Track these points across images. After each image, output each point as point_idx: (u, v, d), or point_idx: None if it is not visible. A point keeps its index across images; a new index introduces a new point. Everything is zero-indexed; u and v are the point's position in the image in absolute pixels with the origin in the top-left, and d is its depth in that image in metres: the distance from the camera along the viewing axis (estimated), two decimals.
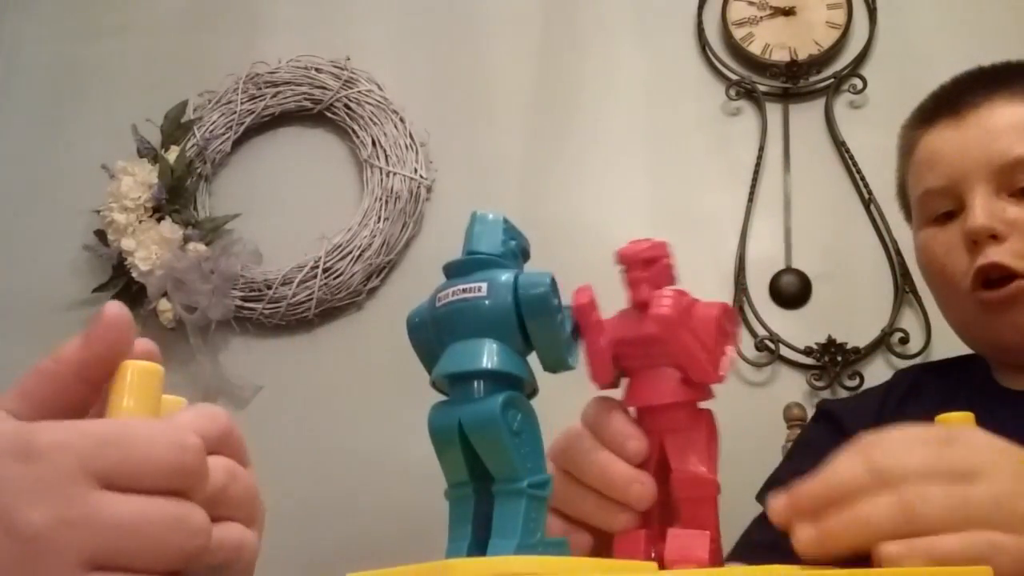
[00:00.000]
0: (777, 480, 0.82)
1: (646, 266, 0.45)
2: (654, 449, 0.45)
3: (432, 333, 0.43)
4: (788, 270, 1.43)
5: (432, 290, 0.45)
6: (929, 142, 0.82)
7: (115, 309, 0.37)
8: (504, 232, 0.44)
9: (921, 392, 0.85)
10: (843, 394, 1.35)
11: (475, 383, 0.41)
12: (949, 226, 0.78)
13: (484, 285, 0.41)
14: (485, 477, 0.42)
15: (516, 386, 0.41)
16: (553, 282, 0.42)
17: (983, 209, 0.74)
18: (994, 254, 0.74)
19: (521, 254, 0.45)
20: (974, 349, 0.84)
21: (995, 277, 0.74)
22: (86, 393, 0.37)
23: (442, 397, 0.45)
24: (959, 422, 0.46)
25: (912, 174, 0.85)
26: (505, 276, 0.41)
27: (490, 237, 0.43)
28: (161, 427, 0.34)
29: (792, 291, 1.42)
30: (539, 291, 0.41)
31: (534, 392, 0.43)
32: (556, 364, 0.43)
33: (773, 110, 1.51)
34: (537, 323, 0.41)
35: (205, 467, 0.35)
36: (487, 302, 0.41)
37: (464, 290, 0.42)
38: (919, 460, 0.42)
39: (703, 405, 0.46)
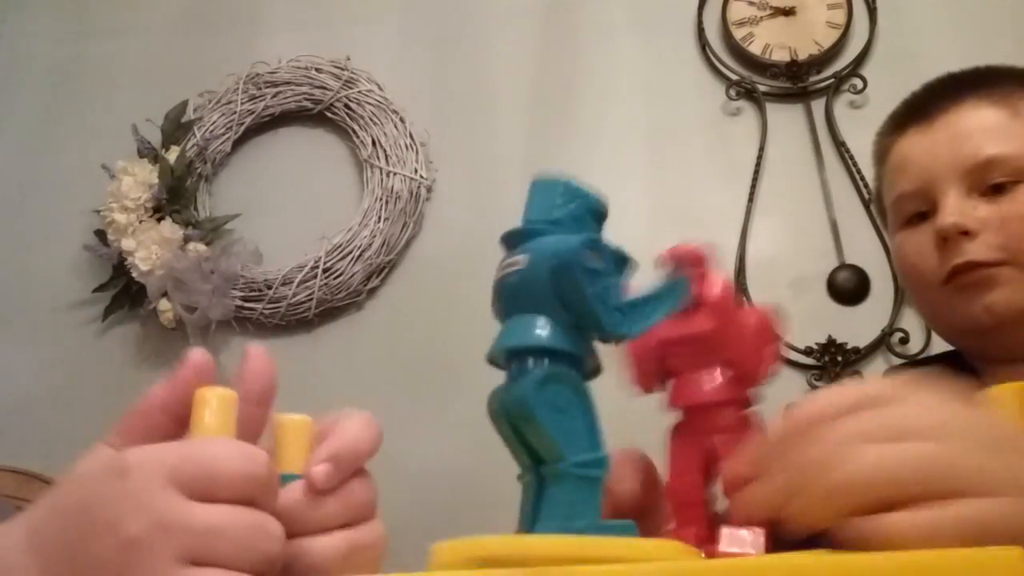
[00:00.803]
0: None
1: (699, 264, 0.45)
2: (702, 449, 0.44)
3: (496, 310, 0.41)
4: (844, 266, 1.43)
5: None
6: (901, 148, 0.83)
7: (200, 356, 0.43)
8: (562, 195, 0.41)
9: None
10: None
11: (524, 361, 0.38)
12: (922, 227, 0.79)
13: (523, 257, 0.39)
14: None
15: (571, 363, 0.39)
16: (586, 244, 0.39)
17: (953, 207, 0.76)
18: (968, 252, 0.75)
19: (590, 216, 0.41)
20: (952, 342, 0.84)
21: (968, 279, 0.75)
22: (173, 428, 0.43)
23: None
24: (1017, 391, 0.41)
25: (886, 180, 0.86)
26: (546, 243, 0.39)
27: (544, 203, 0.41)
28: (234, 444, 0.39)
29: (850, 287, 1.42)
30: (564, 258, 0.38)
31: (598, 370, 0.41)
32: (599, 334, 0.40)
33: (773, 110, 1.51)
34: (564, 291, 0.38)
35: (274, 478, 0.40)
36: (525, 275, 0.39)
37: (509, 264, 0.39)
38: (847, 419, 0.38)
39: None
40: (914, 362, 0.94)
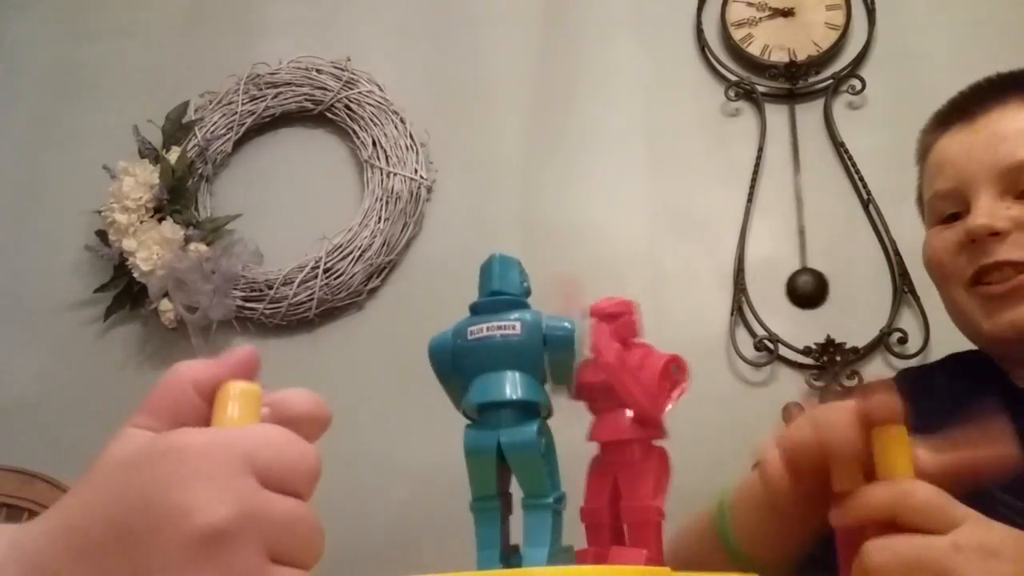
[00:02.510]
0: None
1: (610, 320, 0.51)
2: (609, 480, 0.51)
3: (458, 362, 0.48)
4: (805, 270, 1.43)
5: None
6: (941, 146, 0.83)
7: (249, 350, 0.40)
8: (520, 274, 0.49)
9: (934, 394, 0.84)
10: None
11: (509, 409, 0.46)
12: (954, 226, 0.79)
13: (518, 323, 0.47)
14: (503, 493, 0.48)
15: (539, 412, 0.47)
16: (573, 327, 0.48)
17: (984, 209, 0.76)
18: (996, 252, 0.75)
19: (528, 293, 0.50)
20: (979, 346, 0.84)
21: (996, 279, 0.75)
22: (205, 410, 0.38)
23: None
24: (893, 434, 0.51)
25: (925, 178, 0.86)
26: (533, 316, 0.47)
27: (511, 278, 0.49)
28: (295, 436, 0.37)
29: (809, 291, 1.42)
30: (567, 334, 0.47)
31: (549, 415, 0.48)
32: (565, 387, 0.50)
33: (772, 111, 1.52)
34: (560, 360, 0.47)
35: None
36: (520, 339, 0.47)
37: (500, 327, 0.47)
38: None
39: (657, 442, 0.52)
40: (935, 364, 0.93)
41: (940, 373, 0.90)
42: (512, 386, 0.46)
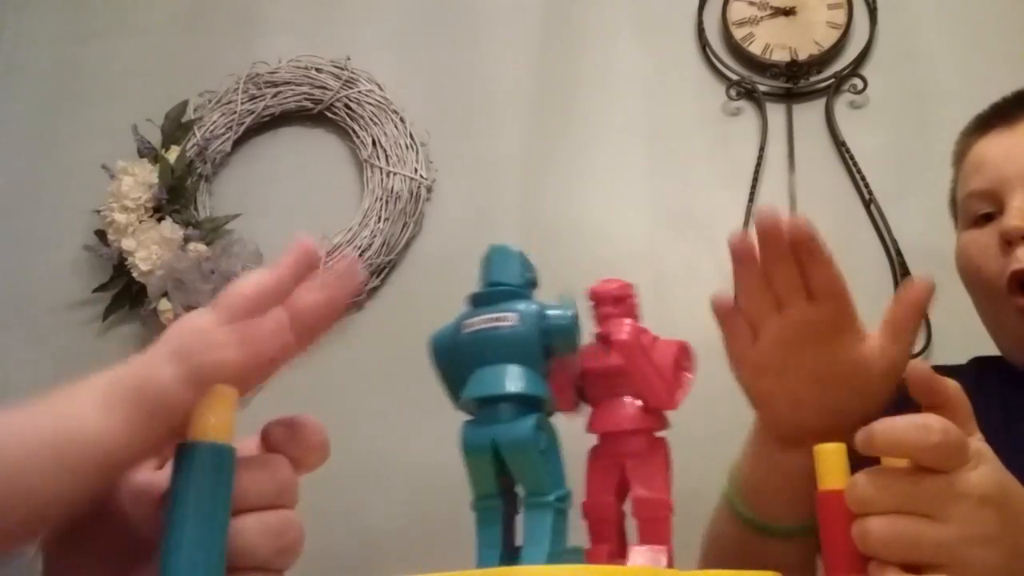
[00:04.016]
0: None
1: (615, 303, 0.50)
2: (615, 472, 0.49)
3: (456, 356, 0.47)
4: None
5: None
6: (979, 148, 0.82)
7: (311, 243, 0.45)
8: (521, 264, 0.48)
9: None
10: None
11: (506, 404, 0.44)
12: (987, 228, 0.78)
13: (514, 315, 0.45)
14: (507, 491, 0.46)
15: (539, 407, 0.45)
16: (576, 315, 0.46)
17: (1019, 210, 0.74)
18: None
19: (532, 284, 0.49)
20: (1011, 358, 0.82)
21: None
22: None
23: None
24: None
25: (961, 179, 0.85)
26: (532, 306, 0.46)
27: (510, 269, 0.47)
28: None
29: None
30: (567, 323, 0.45)
31: (552, 411, 0.47)
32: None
33: (774, 110, 1.51)
34: (563, 351, 0.46)
35: None
36: (517, 330, 0.45)
37: (496, 319, 0.45)
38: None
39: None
40: (947, 369, 0.91)
41: (965, 378, 0.88)
42: (507, 380, 0.44)
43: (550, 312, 0.45)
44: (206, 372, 0.38)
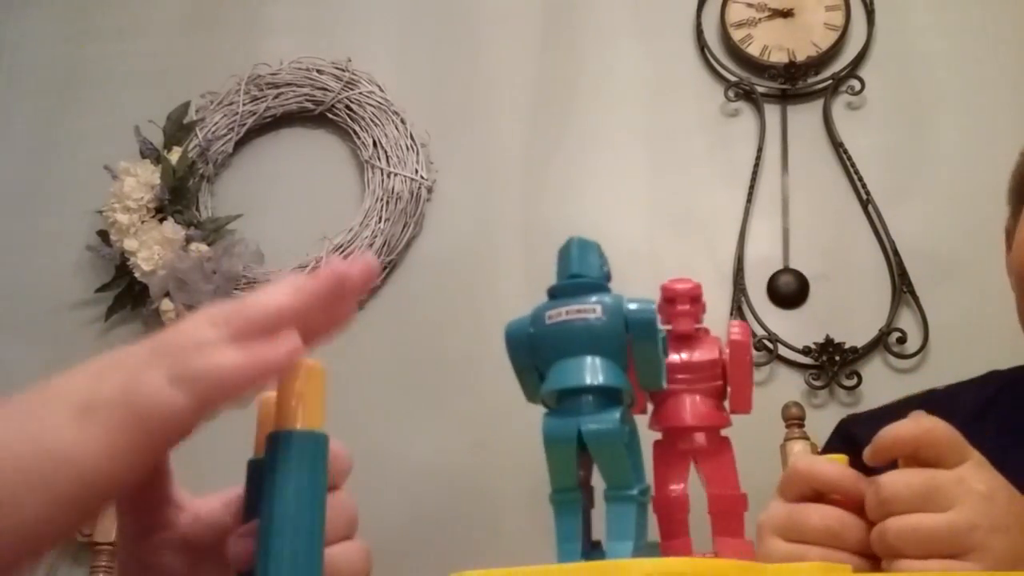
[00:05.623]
0: None
1: (692, 302, 0.50)
2: (685, 466, 0.49)
3: (534, 348, 0.46)
4: (786, 270, 1.44)
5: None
6: None
7: (372, 261, 0.43)
8: (600, 257, 0.47)
9: (954, 413, 0.80)
10: (841, 393, 1.37)
11: (590, 396, 0.44)
12: None
13: (599, 306, 0.45)
14: (585, 484, 0.46)
15: (620, 400, 0.45)
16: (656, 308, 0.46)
17: None
18: None
19: (609, 277, 0.48)
20: None
21: None
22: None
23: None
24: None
25: None
26: (615, 299, 0.45)
27: (591, 261, 0.47)
28: None
29: (790, 291, 1.43)
30: (649, 316, 0.45)
31: (633, 403, 0.47)
32: (653, 383, 0.47)
33: (771, 111, 1.52)
34: (644, 345, 0.45)
35: None
36: (601, 322, 0.44)
37: (579, 310, 0.45)
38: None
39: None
40: (959, 386, 0.88)
41: (968, 395, 0.84)
42: (593, 371, 0.44)
43: (631, 305, 0.45)
44: (202, 379, 0.36)
